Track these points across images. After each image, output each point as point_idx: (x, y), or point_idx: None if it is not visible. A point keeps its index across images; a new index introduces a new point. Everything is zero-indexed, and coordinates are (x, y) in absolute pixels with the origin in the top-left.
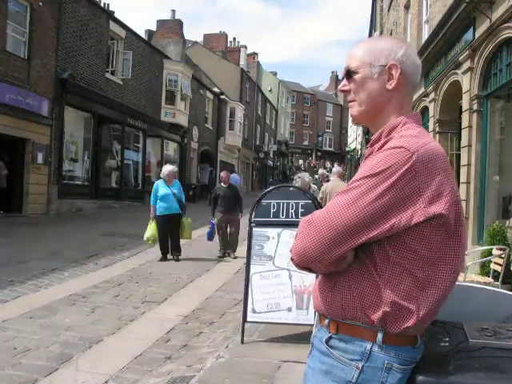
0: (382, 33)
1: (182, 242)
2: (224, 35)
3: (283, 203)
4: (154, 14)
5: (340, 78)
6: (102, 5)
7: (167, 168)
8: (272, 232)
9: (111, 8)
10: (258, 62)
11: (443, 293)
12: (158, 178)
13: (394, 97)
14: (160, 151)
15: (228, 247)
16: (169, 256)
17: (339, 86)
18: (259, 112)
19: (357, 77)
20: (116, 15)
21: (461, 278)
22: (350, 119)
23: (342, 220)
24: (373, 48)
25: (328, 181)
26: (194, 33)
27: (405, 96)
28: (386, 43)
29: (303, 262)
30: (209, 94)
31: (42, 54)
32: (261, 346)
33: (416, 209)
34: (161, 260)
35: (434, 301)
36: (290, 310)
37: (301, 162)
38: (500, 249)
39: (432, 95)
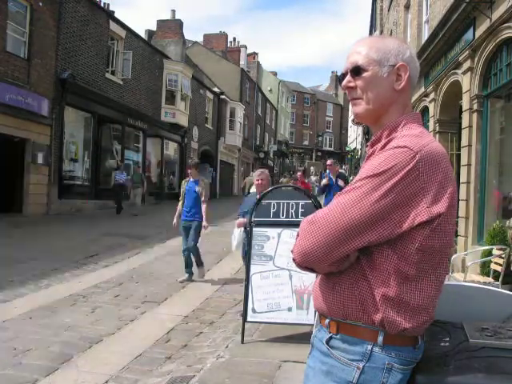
0: (381, 33)
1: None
2: (224, 35)
3: (283, 203)
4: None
5: (340, 74)
6: (102, 5)
7: None
8: (272, 232)
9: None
10: (258, 62)
11: (438, 292)
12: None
13: (400, 97)
14: (160, 151)
15: None
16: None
17: (343, 82)
18: (259, 112)
19: (366, 74)
20: (116, 15)
21: (461, 277)
22: (351, 118)
23: (345, 220)
24: (381, 47)
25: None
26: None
27: (408, 96)
28: (393, 43)
29: (305, 262)
30: (209, 94)
31: (42, 54)
32: (261, 345)
33: (419, 209)
34: None
35: (431, 301)
36: (290, 309)
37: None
38: (500, 249)
39: (432, 95)
